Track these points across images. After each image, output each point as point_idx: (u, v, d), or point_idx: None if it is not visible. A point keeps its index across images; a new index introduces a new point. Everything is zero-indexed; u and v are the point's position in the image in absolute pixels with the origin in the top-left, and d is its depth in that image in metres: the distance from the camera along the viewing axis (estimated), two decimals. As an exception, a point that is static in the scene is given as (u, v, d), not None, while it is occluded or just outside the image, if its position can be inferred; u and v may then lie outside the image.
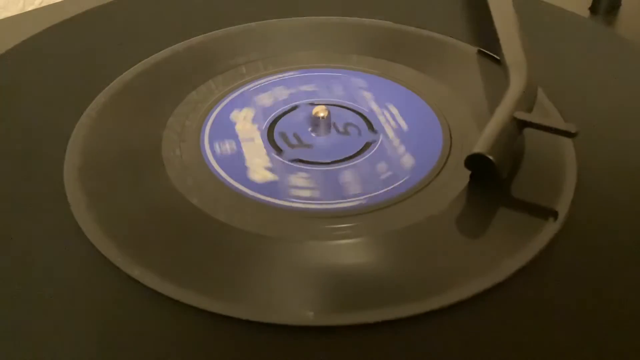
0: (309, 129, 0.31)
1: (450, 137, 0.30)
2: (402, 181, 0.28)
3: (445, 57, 0.36)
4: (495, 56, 0.34)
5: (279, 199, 0.27)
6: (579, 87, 0.33)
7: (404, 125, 0.31)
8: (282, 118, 0.31)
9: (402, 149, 0.29)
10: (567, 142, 0.29)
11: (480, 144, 0.26)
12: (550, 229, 0.25)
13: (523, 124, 0.28)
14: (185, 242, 0.25)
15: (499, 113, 0.28)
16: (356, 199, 0.27)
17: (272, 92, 0.33)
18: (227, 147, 0.30)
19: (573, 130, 0.27)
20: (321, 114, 0.30)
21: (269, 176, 0.28)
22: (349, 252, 0.25)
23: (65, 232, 0.25)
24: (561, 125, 0.27)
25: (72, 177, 0.28)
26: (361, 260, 0.24)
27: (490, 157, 0.26)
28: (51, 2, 0.43)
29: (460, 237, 0.26)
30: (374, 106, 0.32)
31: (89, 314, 0.22)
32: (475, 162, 0.26)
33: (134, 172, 0.28)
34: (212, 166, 0.28)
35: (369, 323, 0.22)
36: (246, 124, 0.31)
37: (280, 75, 0.34)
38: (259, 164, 0.29)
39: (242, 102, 0.32)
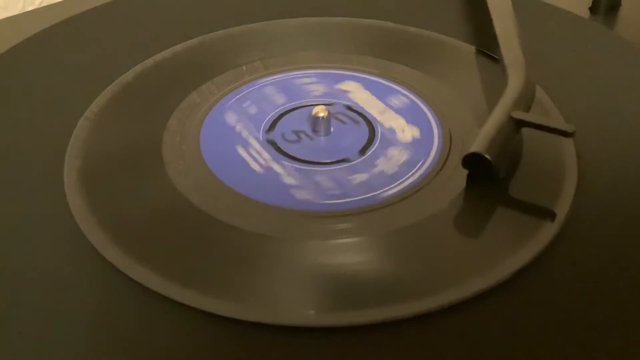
0: (309, 129, 0.31)
1: (450, 137, 0.30)
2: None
3: (445, 57, 0.36)
4: (494, 56, 0.34)
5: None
6: (579, 87, 0.33)
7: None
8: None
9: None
10: (568, 141, 0.29)
11: (478, 144, 0.26)
12: (551, 228, 0.25)
13: (520, 124, 0.28)
14: (186, 242, 0.25)
15: (497, 113, 0.28)
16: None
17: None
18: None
19: (570, 130, 0.27)
20: (321, 114, 0.30)
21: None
22: (349, 252, 0.25)
23: (65, 233, 0.25)
24: (558, 124, 0.27)
25: (72, 177, 0.28)
26: (361, 260, 0.25)
27: (487, 156, 0.26)
28: (51, 2, 0.43)
29: (460, 237, 0.26)
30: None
31: (89, 315, 0.22)
32: (472, 161, 0.26)
33: (135, 173, 0.28)
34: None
35: (369, 323, 0.22)
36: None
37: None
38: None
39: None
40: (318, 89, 0.33)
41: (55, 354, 0.21)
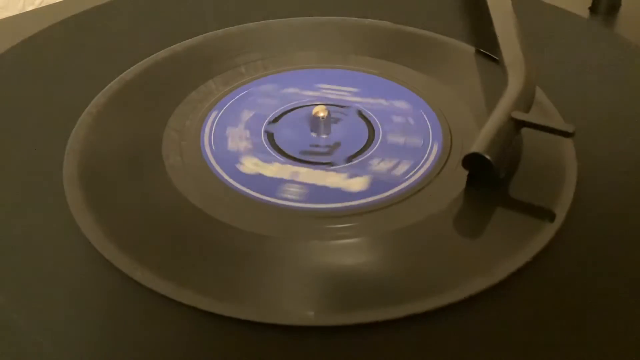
0: (309, 129, 0.31)
1: (451, 137, 0.30)
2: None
3: (445, 57, 0.36)
4: (494, 56, 0.34)
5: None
6: (579, 87, 0.33)
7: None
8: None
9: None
10: (567, 141, 0.29)
11: (478, 144, 0.26)
12: (551, 228, 0.25)
13: (520, 124, 0.28)
14: (185, 242, 0.25)
15: (497, 113, 0.28)
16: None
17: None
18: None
19: (570, 130, 0.27)
20: (321, 114, 0.30)
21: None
22: (349, 252, 0.25)
23: (65, 233, 0.25)
24: (558, 125, 0.27)
25: (72, 177, 0.28)
26: (361, 260, 0.25)
27: (487, 157, 0.26)
28: (51, 2, 0.43)
29: (460, 237, 0.26)
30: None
31: (89, 315, 0.22)
32: (472, 161, 0.26)
33: (134, 172, 0.28)
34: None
35: (369, 323, 0.22)
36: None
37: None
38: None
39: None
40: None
41: (54, 353, 0.21)
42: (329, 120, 0.30)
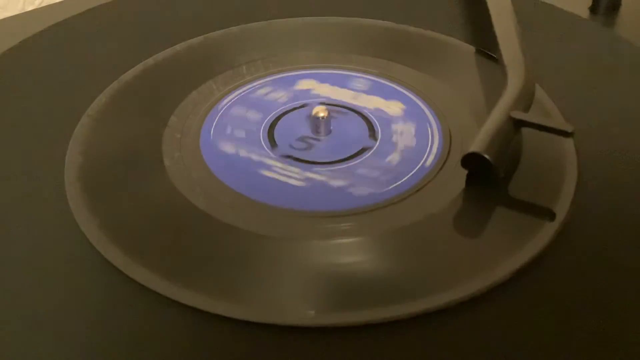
0: (309, 129, 0.31)
1: (450, 137, 0.30)
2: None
3: (445, 57, 0.36)
4: (494, 56, 0.34)
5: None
6: (579, 87, 0.33)
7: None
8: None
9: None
10: (567, 141, 0.29)
11: (477, 144, 0.26)
12: (550, 228, 0.25)
13: (520, 124, 0.28)
14: (186, 242, 0.25)
15: (496, 113, 0.28)
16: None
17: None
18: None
19: (569, 130, 0.27)
20: (321, 114, 0.30)
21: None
22: (349, 251, 0.25)
23: (65, 233, 0.25)
24: (558, 124, 0.27)
25: (73, 177, 0.28)
26: (361, 260, 0.25)
27: (487, 156, 0.26)
28: (51, 2, 0.43)
29: (460, 237, 0.26)
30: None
31: (89, 314, 0.22)
32: (472, 161, 0.26)
33: (135, 172, 0.28)
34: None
35: (368, 323, 0.22)
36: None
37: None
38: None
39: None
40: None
41: (55, 354, 0.21)
42: (329, 120, 0.30)
